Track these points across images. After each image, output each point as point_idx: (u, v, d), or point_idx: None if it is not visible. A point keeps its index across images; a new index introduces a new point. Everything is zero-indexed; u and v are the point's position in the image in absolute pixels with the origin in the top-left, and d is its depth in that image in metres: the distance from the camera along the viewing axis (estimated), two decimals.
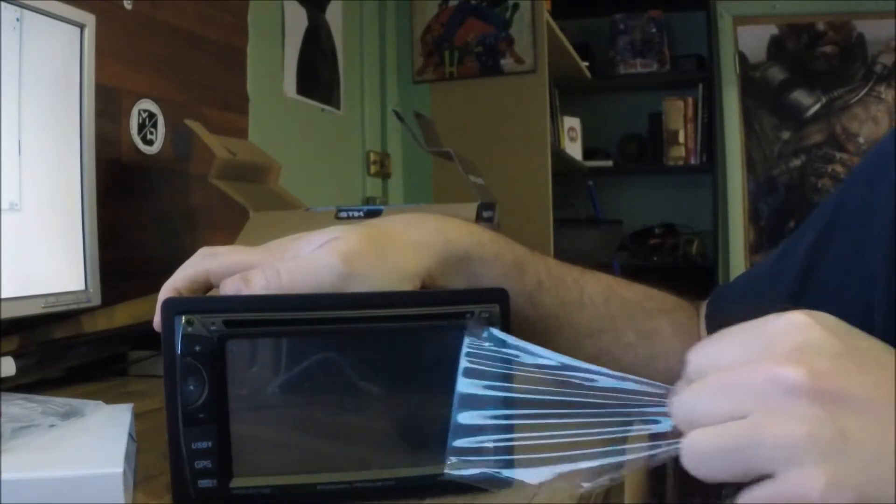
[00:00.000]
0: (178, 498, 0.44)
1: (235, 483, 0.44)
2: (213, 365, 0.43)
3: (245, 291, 0.47)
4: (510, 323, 0.48)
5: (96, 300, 0.86)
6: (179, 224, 1.36)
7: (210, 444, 0.43)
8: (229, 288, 0.48)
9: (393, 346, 0.47)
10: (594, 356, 0.58)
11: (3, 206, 0.74)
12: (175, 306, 0.44)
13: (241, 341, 0.44)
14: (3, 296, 0.72)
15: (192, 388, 0.43)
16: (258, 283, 0.47)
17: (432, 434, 0.48)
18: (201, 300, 0.48)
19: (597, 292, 0.59)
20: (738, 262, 3.14)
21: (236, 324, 0.44)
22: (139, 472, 0.48)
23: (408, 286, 0.50)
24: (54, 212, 0.81)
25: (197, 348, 0.43)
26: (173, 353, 0.43)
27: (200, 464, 0.43)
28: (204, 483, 0.43)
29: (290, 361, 0.46)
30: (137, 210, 1.25)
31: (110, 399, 0.64)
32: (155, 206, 1.30)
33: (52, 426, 0.51)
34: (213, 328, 0.43)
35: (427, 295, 0.48)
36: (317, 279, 0.47)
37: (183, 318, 0.43)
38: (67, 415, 0.54)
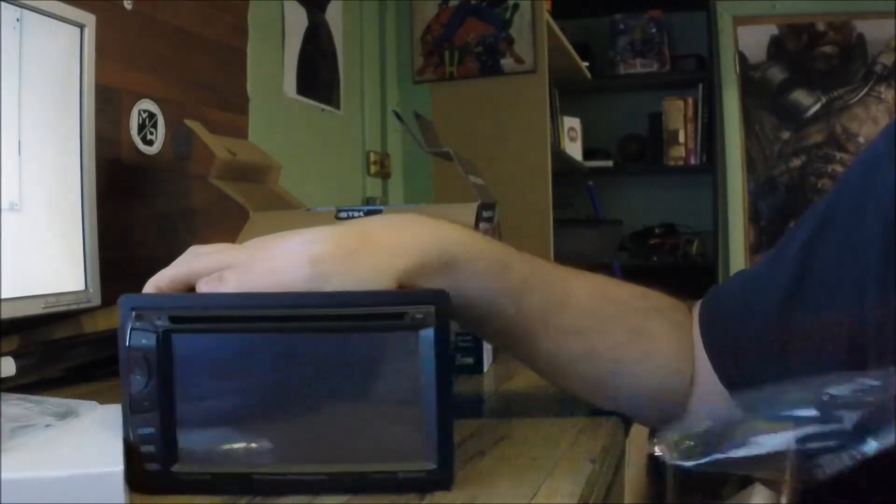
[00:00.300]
0: (130, 480, 0.46)
1: (178, 468, 0.47)
2: (158, 357, 0.46)
3: (220, 289, 0.49)
4: (449, 326, 0.49)
5: (96, 300, 0.86)
6: (179, 224, 1.36)
7: (153, 430, 0.46)
8: (204, 286, 0.50)
9: (329, 345, 0.49)
10: (581, 356, 0.58)
11: (3, 206, 0.74)
12: (129, 302, 0.47)
13: (185, 335, 0.47)
14: (3, 296, 0.72)
15: (138, 377, 0.46)
16: (231, 282, 0.49)
17: (367, 431, 0.49)
18: (153, 297, 0.51)
19: (584, 292, 0.59)
20: (738, 262, 3.14)
21: (181, 319, 0.47)
22: None
23: (382, 288, 0.51)
24: (54, 212, 0.81)
25: (143, 341, 0.46)
26: (124, 346, 0.47)
27: (146, 448, 0.46)
28: (150, 467, 0.46)
29: (232, 355, 0.48)
30: (137, 210, 1.25)
31: (110, 399, 0.64)
32: (155, 206, 1.30)
33: (48, 426, 0.51)
34: (158, 322, 0.46)
35: (362, 295, 0.50)
36: (287, 280, 0.50)
37: (133, 312, 0.47)
38: (64, 415, 0.54)
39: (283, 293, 0.49)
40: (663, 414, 0.59)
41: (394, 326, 0.48)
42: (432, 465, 0.48)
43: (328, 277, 0.50)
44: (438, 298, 0.49)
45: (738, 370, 0.57)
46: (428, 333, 0.48)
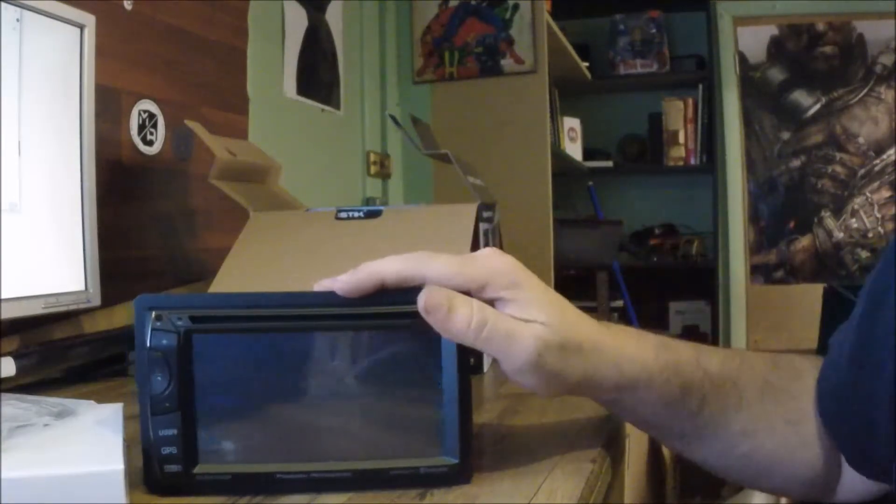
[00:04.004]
0: (147, 483, 0.46)
1: (199, 469, 0.46)
2: (179, 357, 0.46)
3: (445, 320, 0.47)
4: None
5: (96, 300, 0.86)
6: (179, 224, 1.36)
7: (175, 431, 0.46)
8: (432, 303, 0.47)
9: (352, 342, 0.49)
10: (749, 453, 0.57)
11: (3, 207, 0.74)
12: (146, 302, 0.47)
13: (206, 335, 0.47)
14: (3, 296, 0.72)
15: (159, 378, 0.46)
16: (460, 321, 0.47)
17: (387, 428, 0.49)
18: (170, 297, 0.50)
19: (753, 389, 0.57)
20: (738, 262, 3.14)
21: (202, 319, 0.47)
22: (138, 472, 0.48)
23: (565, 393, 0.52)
24: (54, 212, 0.81)
25: (164, 341, 0.46)
26: (143, 346, 0.46)
27: (167, 450, 0.46)
28: (170, 468, 0.46)
29: (253, 355, 0.48)
30: (137, 210, 1.25)
31: (110, 399, 0.64)
32: (155, 206, 1.30)
33: (46, 426, 0.51)
34: (179, 322, 0.46)
35: (380, 294, 0.49)
36: (510, 353, 0.48)
37: (152, 313, 0.46)
38: (61, 414, 0.54)
39: (303, 292, 0.49)
40: (817, 490, 0.58)
41: (415, 323, 0.48)
42: (453, 460, 0.48)
43: (543, 370, 0.48)
44: None
45: (872, 464, 0.54)
46: None
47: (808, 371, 0.59)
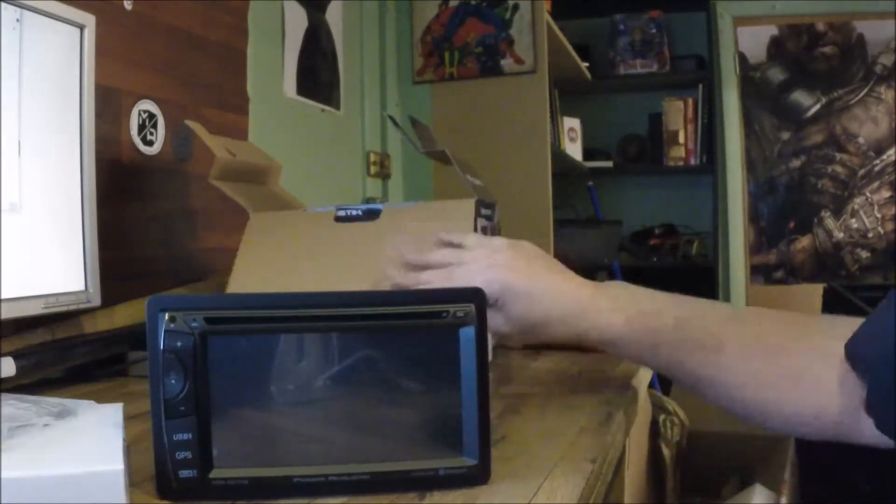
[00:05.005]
0: (160, 488, 0.45)
1: (215, 474, 0.45)
2: (194, 360, 0.45)
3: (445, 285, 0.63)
4: (486, 323, 0.49)
5: (96, 300, 0.86)
6: (179, 224, 1.36)
7: (190, 435, 0.45)
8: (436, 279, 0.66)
9: (369, 344, 0.48)
10: (742, 401, 0.61)
11: (3, 207, 0.74)
12: (159, 303, 0.45)
13: (221, 337, 0.46)
14: (3, 296, 0.72)
15: (173, 381, 0.44)
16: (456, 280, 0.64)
17: (406, 429, 0.49)
18: (184, 298, 0.49)
19: (738, 350, 0.61)
20: (737, 262, 3.14)
21: (217, 320, 0.46)
22: (138, 472, 0.48)
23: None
24: (54, 212, 0.81)
25: (178, 344, 0.45)
26: (157, 349, 0.45)
27: (181, 455, 0.45)
28: (185, 473, 0.45)
29: (269, 357, 0.47)
30: (137, 210, 1.25)
31: (110, 399, 0.64)
32: (155, 206, 1.30)
33: (46, 426, 0.51)
34: (193, 324, 0.45)
35: (403, 294, 0.49)
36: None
37: (166, 314, 0.45)
38: (61, 414, 0.54)
39: (318, 293, 0.48)
40: (831, 429, 0.59)
41: (434, 325, 0.48)
42: (473, 462, 0.48)
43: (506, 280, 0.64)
44: (477, 297, 0.49)
45: None
46: (468, 331, 0.48)
47: (823, 331, 0.62)
